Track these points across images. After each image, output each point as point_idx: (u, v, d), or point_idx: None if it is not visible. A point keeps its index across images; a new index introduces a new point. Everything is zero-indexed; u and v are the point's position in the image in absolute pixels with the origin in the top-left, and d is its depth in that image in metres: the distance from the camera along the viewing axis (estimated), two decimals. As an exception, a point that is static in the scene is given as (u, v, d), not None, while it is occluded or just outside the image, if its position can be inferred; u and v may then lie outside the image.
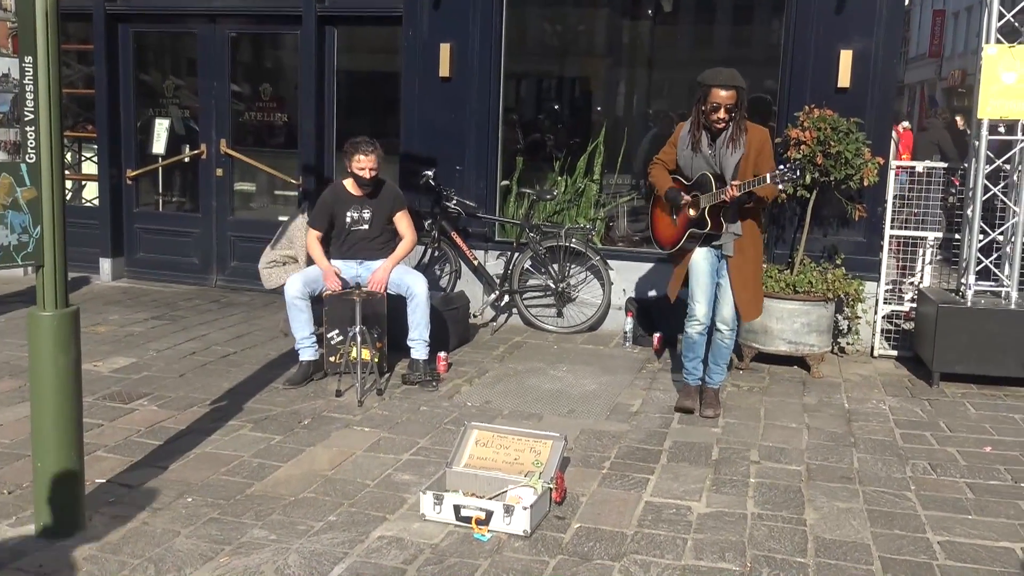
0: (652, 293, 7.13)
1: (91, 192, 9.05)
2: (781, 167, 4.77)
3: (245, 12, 8.40)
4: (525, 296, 7.35)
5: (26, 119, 3.40)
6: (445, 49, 7.36)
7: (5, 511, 3.78)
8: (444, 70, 7.39)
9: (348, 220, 5.76)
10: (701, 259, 5.08)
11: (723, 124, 4.86)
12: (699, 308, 5.09)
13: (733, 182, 4.79)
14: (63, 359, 3.49)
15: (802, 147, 6.14)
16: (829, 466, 4.54)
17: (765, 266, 6.45)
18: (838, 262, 6.51)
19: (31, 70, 3.37)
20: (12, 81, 3.36)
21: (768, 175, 4.73)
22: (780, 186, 4.80)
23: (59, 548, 3.46)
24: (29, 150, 3.43)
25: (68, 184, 8.80)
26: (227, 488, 4.07)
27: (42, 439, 3.51)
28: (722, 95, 4.78)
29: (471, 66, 7.36)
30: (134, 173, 8.77)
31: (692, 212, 4.97)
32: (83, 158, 9.16)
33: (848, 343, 6.71)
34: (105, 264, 8.76)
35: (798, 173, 4.76)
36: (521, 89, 8.22)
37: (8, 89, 3.36)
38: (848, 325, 6.65)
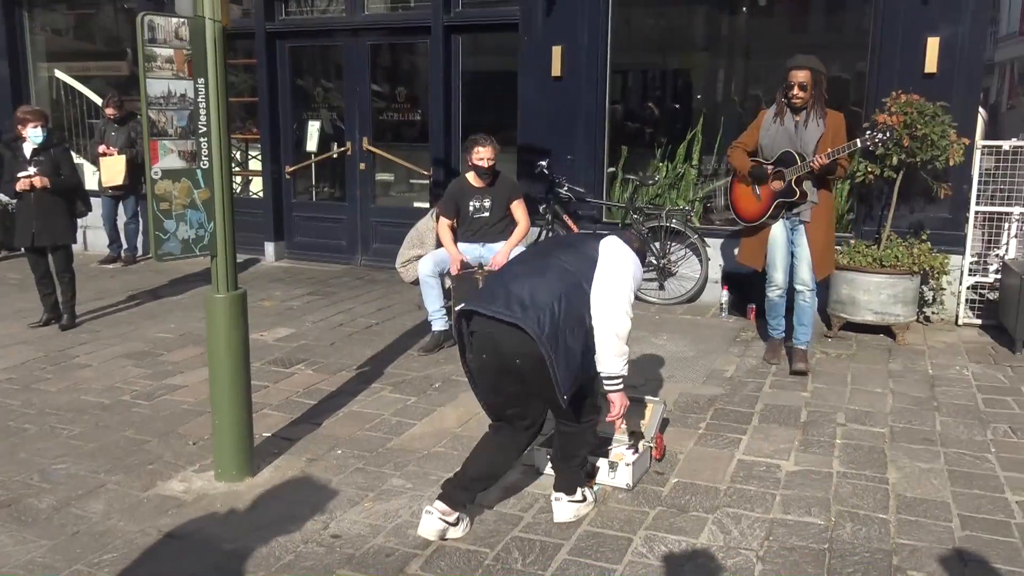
0: (746, 268, 6.96)
1: (257, 185, 9.45)
2: (869, 131, 5.07)
3: (382, 25, 8.58)
4: (630, 271, 7.29)
5: (200, 132, 3.59)
6: (557, 51, 7.33)
7: (191, 459, 4.04)
8: (556, 70, 7.37)
9: (472, 208, 5.84)
10: (778, 232, 5.26)
11: (800, 101, 5.01)
12: (778, 275, 5.32)
13: (820, 153, 4.94)
14: (234, 333, 3.69)
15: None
16: (912, 429, 4.37)
17: (853, 242, 6.24)
18: (924, 237, 6.21)
19: (203, 90, 3.56)
20: (188, 100, 3.54)
21: (858, 139, 4.97)
22: (870, 146, 5.08)
23: (234, 491, 3.69)
24: (203, 158, 3.62)
25: (237, 179, 9.20)
26: (370, 442, 4.24)
27: (218, 399, 3.73)
28: (798, 75, 4.98)
29: (580, 65, 7.31)
30: (292, 168, 9.11)
31: (779, 185, 5.10)
32: (250, 156, 9.57)
33: (933, 312, 6.40)
34: (269, 247, 9.16)
35: (886, 134, 5.02)
36: (626, 82, 8.10)
37: (185, 107, 3.55)
38: (933, 296, 6.33)
